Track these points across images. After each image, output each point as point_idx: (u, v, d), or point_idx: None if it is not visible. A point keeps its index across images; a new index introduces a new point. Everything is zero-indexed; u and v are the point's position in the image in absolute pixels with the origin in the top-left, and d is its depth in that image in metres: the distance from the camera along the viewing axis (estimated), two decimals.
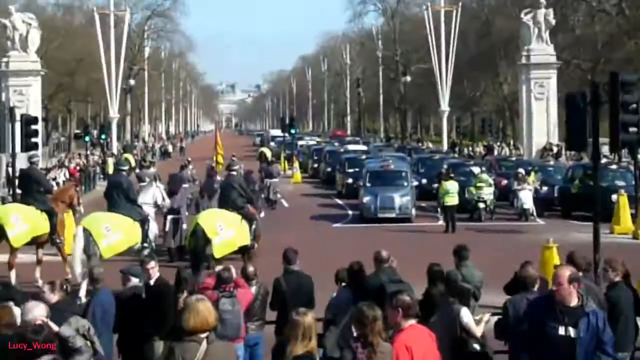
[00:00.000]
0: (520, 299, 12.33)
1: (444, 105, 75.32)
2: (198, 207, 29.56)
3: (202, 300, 9.63)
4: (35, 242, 25.24)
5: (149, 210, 25.65)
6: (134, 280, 14.10)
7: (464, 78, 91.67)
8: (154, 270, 14.03)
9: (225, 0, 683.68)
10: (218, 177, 33.58)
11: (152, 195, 26.78)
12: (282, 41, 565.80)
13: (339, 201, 48.46)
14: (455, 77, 78.80)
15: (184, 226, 28.52)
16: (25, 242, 24.84)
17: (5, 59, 55.96)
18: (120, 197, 23.53)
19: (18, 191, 29.11)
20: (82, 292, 20.18)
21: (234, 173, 25.74)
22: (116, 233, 22.77)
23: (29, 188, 25.16)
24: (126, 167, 26.35)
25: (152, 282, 13.92)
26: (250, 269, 14.90)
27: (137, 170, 53.58)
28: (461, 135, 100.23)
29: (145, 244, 24.01)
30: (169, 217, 28.57)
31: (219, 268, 14.89)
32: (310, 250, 27.71)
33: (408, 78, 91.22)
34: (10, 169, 36.15)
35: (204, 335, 9.20)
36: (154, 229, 25.31)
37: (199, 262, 22.29)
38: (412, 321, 9.60)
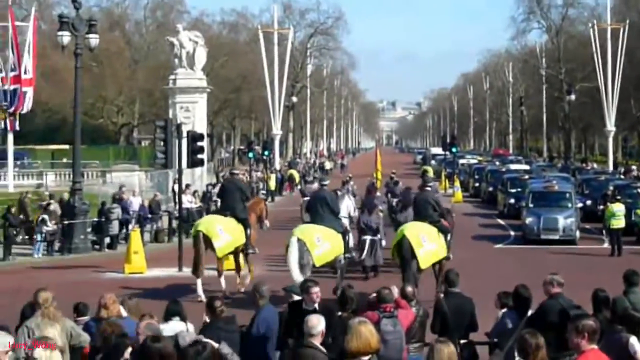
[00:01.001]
0: None
1: (610, 125, 73.83)
2: (359, 222, 29.87)
3: (364, 322, 9.58)
4: (234, 252, 26.44)
5: (345, 222, 26.67)
6: (296, 298, 14.19)
7: (630, 97, 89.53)
8: (318, 295, 13.96)
9: (386, 17, 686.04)
10: (378, 194, 34.07)
11: (345, 208, 27.96)
12: (443, 58, 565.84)
13: (501, 221, 47.87)
14: (622, 96, 77.13)
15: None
16: (228, 252, 26.08)
17: (172, 77, 57.38)
18: (324, 210, 24.35)
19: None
20: None
21: (428, 189, 26.25)
22: (325, 243, 23.69)
23: (232, 197, 26.32)
24: (327, 182, 27.16)
25: (316, 306, 13.81)
26: (409, 289, 14.76)
27: (301, 185, 54.61)
28: (627, 156, 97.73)
29: (348, 255, 25.18)
30: None
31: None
32: (472, 271, 27.48)
33: (573, 97, 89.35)
34: (176, 185, 36.95)
35: (366, 358, 9.17)
36: (351, 241, 26.34)
37: (409, 273, 22.81)
38: (595, 346, 9.39)
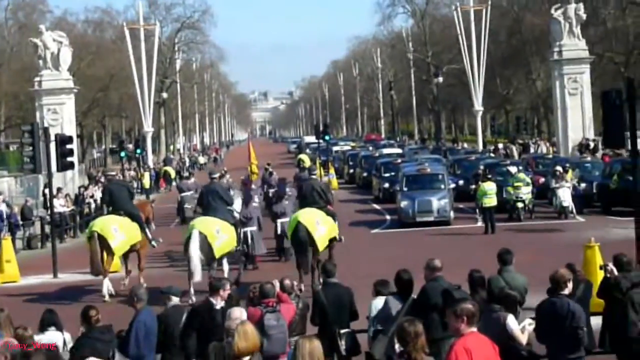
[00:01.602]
0: (545, 302, 12.42)
1: (478, 105, 74.99)
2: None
3: (247, 322, 9.57)
4: (129, 251, 26.73)
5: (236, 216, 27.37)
6: (175, 300, 14.03)
7: (496, 76, 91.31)
8: (227, 293, 13.83)
9: (253, 9, 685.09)
10: (253, 186, 34.90)
11: (238, 204, 28.45)
12: (313, 47, 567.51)
13: (377, 206, 48.26)
14: (488, 76, 78.53)
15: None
16: (124, 251, 26.33)
17: (38, 79, 56.27)
18: (217, 202, 25.31)
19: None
20: (192, 294, 23.03)
21: (314, 177, 28.35)
22: (224, 234, 24.70)
23: (121, 196, 26.85)
24: (217, 175, 28.48)
25: (223, 304, 13.65)
26: (287, 281, 14.65)
27: (177, 182, 54.74)
28: (496, 134, 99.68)
29: (239, 247, 26.46)
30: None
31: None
32: (351, 258, 27.68)
33: (440, 79, 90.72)
34: (47, 190, 36.20)
35: (247, 357, 9.14)
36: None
37: (305, 258, 24.00)
38: (474, 329, 9.47)
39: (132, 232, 26.33)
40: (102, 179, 42.04)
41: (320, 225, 24.63)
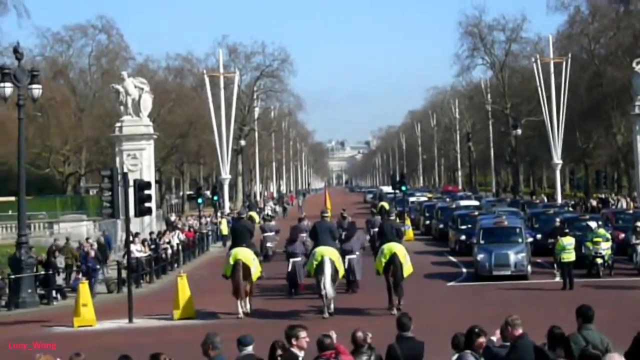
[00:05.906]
0: None
1: (557, 158, 74.29)
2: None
3: None
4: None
5: None
6: (248, 349, 13.86)
7: (576, 130, 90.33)
8: (305, 340, 13.42)
9: (331, 59, 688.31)
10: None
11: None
12: (390, 97, 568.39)
13: (453, 258, 47.80)
14: (567, 129, 77.77)
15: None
16: (257, 278, 31.13)
17: (118, 124, 56.98)
18: (328, 236, 30.30)
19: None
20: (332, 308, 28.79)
21: (392, 218, 35.02)
22: (341, 261, 30.19)
23: (243, 235, 31.23)
24: (328, 214, 33.02)
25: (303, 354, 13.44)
26: (359, 334, 14.28)
27: (261, 224, 56.09)
28: (575, 188, 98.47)
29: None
30: (291, 260, 35.52)
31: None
32: (426, 310, 27.36)
33: (519, 131, 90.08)
34: (124, 234, 36.43)
35: None
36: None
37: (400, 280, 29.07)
38: None
39: (258, 264, 31.01)
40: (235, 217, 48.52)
41: (407, 259, 29.65)
